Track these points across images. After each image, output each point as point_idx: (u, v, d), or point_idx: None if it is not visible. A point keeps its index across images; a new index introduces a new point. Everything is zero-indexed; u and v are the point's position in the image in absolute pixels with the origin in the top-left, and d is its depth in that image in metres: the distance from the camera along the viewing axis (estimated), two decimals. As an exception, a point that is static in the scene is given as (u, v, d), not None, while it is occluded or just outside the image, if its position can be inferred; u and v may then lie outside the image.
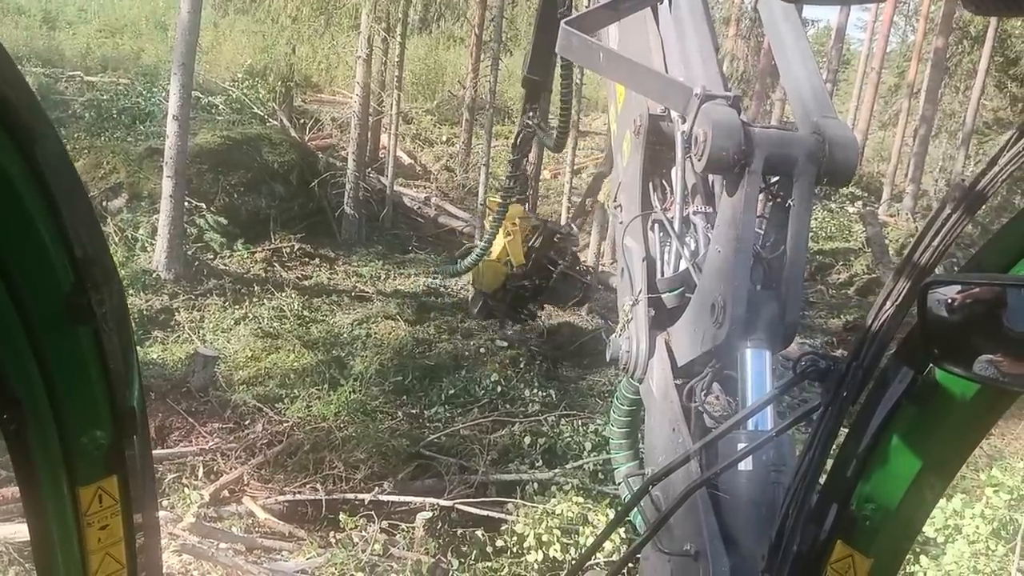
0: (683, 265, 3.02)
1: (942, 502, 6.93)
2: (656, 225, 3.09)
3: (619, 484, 3.59)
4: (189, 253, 14.68)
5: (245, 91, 21.28)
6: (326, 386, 11.27)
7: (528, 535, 8.11)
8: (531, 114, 6.24)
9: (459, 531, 8.75)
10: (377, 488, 9.32)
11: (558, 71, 5.62)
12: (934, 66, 29.22)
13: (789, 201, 2.64)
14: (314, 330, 13.61)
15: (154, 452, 9.50)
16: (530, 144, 7.29)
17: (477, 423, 11.06)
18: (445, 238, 19.74)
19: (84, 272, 1.41)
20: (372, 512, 8.85)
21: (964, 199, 1.68)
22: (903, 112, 33.72)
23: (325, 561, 7.96)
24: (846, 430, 1.86)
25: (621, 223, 3.30)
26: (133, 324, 1.57)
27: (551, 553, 7.91)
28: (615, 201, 3.45)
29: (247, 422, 10.49)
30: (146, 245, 14.65)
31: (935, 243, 1.71)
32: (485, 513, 8.86)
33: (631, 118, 3.27)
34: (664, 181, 3.19)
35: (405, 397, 11.83)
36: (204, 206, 15.45)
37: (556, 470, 9.86)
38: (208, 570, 7.22)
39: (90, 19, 27.38)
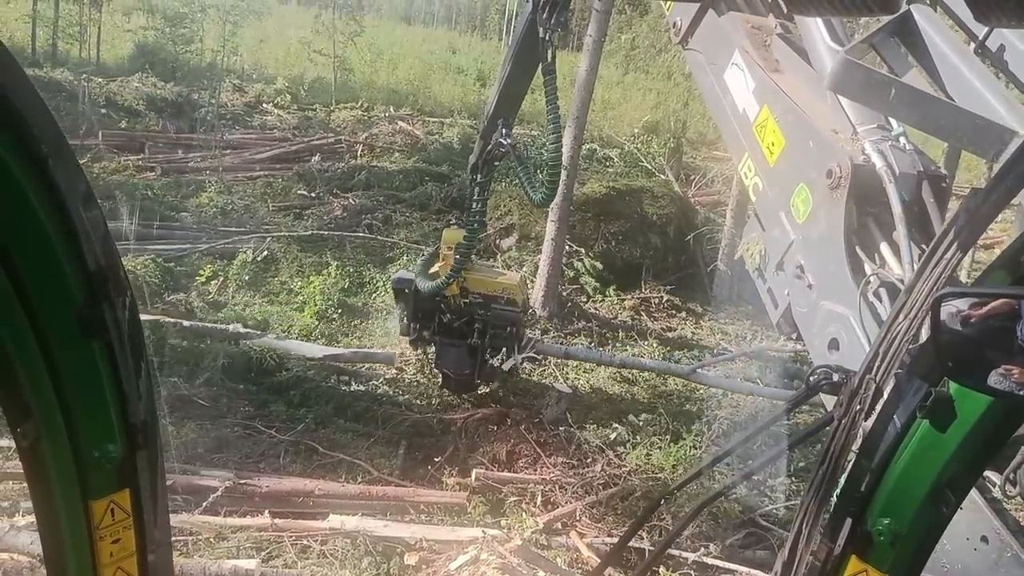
0: None
1: None
2: (882, 290, 2.71)
3: None
4: (564, 293, 15.59)
5: (638, 146, 22.18)
6: (668, 438, 11.25)
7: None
8: (504, 132, 5.73)
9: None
10: (703, 549, 9.07)
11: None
12: None
13: None
14: (670, 382, 13.66)
15: (501, 474, 10.24)
16: (495, 166, 6.73)
17: (823, 502, 10.29)
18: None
19: (97, 285, 1.41)
20: (693, 572, 8.64)
21: (978, 210, 1.57)
22: None
23: (637, 611, 7.93)
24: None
25: (810, 287, 2.96)
26: (146, 337, 1.65)
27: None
28: (778, 265, 3.07)
29: (588, 460, 10.82)
30: (527, 282, 15.80)
31: (948, 255, 1.62)
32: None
33: (806, 168, 2.89)
34: (868, 239, 2.79)
35: (749, 462, 11.38)
36: (583, 251, 16.32)
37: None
38: (523, 593, 7.54)
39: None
